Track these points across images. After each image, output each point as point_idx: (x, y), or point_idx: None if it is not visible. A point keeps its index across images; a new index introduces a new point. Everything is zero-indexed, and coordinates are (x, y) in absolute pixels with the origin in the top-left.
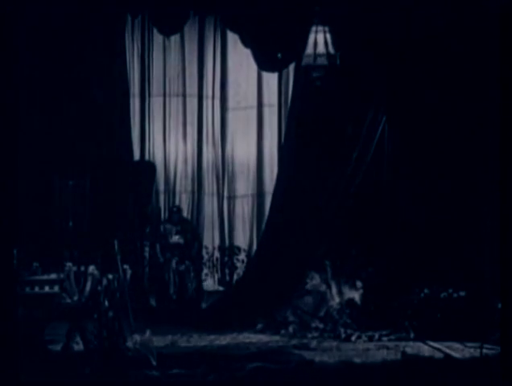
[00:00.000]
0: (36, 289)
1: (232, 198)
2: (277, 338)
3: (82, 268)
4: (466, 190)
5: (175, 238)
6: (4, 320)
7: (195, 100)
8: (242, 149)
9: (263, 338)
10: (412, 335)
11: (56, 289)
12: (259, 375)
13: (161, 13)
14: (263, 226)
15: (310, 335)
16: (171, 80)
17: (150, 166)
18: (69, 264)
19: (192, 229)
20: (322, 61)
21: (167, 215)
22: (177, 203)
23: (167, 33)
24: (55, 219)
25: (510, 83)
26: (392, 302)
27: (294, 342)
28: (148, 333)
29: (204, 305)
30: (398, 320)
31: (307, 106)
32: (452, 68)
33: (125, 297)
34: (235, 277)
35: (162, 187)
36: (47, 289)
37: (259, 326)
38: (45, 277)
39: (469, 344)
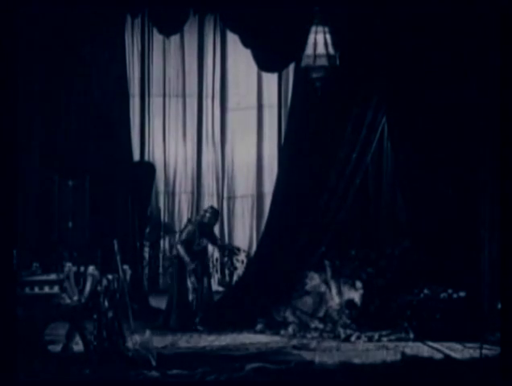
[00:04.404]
0: (36, 289)
1: (231, 198)
2: (276, 338)
3: (82, 269)
4: (466, 190)
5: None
6: (4, 320)
7: (194, 101)
8: (242, 149)
9: (263, 338)
10: (412, 336)
11: (56, 289)
12: (259, 376)
13: (161, 13)
14: (263, 226)
15: (309, 336)
16: (170, 80)
17: (150, 167)
18: (69, 264)
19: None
20: (322, 62)
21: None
22: (177, 203)
23: (166, 33)
24: (54, 219)
25: (511, 82)
26: (392, 303)
27: (293, 342)
28: (148, 333)
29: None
30: (397, 320)
31: (306, 107)
32: (453, 68)
33: (125, 297)
34: (235, 277)
35: (161, 188)
36: (46, 289)
37: (259, 326)
38: (45, 277)
39: (469, 345)
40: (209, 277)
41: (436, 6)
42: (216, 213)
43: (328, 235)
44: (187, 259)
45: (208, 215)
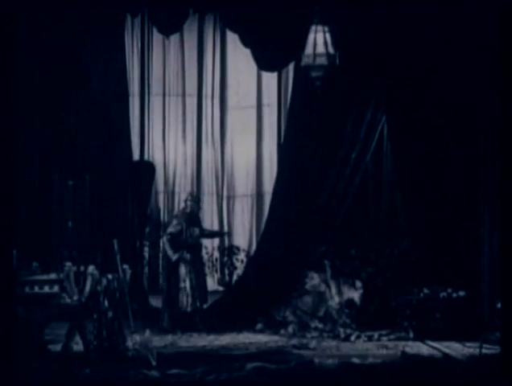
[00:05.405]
0: (36, 288)
1: (231, 198)
2: (276, 338)
3: (82, 268)
4: (466, 190)
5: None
6: (4, 320)
7: (194, 100)
8: (242, 149)
9: (263, 338)
10: (411, 335)
11: (56, 289)
12: (259, 375)
13: (160, 12)
14: (263, 226)
15: (309, 335)
16: (170, 80)
17: (150, 166)
18: (69, 263)
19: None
20: (321, 61)
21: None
22: (176, 202)
23: (166, 32)
24: (54, 219)
25: (511, 82)
26: (391, 302)
27: (293, 342)
28: (148, 333)
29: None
30: (397, 320)
31: (306, 106)
32: (452, 68)
33: (125, 297)
34: (234, 276)
35: (161, 187)
36: (46, 289)
37: (259, 326)
38: (45, 276)
39: (469, 344)
40: (203, 271)
41: (436, 6)
42: (197, 199)
43: (328, 234)
44: (170, 251)
45: (189, 203)
